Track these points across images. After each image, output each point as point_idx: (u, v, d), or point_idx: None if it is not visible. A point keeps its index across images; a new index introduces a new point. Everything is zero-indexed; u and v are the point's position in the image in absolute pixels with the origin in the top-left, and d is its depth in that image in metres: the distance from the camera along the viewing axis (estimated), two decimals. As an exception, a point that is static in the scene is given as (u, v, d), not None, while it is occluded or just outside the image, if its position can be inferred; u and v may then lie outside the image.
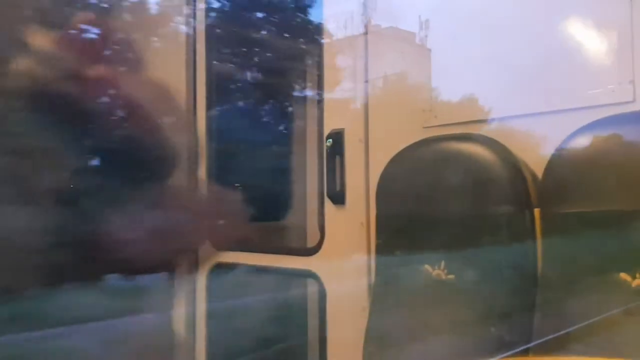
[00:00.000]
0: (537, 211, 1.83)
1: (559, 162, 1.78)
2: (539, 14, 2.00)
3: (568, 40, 1.94)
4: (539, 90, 1.96)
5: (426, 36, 2.26)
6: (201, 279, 2.95)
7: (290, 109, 3.41)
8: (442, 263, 1.99)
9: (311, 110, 3.06)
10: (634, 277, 1.57)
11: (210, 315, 2.96)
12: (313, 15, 2.70)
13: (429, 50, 2.27)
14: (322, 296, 2.53)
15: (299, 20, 3.23)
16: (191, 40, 3.06)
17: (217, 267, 2.92)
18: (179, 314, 2.99)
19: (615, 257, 1.63)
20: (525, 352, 1.74)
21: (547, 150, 1.81)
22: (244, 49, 3.45)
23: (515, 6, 2.06)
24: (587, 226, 1.68)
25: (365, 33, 2.41)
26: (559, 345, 1.66)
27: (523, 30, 2.03)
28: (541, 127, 1.96)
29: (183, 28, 3.07)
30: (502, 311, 1.85)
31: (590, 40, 1.90)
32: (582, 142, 1.76)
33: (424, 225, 2.13)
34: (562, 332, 1.65)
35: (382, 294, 2.22)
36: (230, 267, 2.89)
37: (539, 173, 1.85)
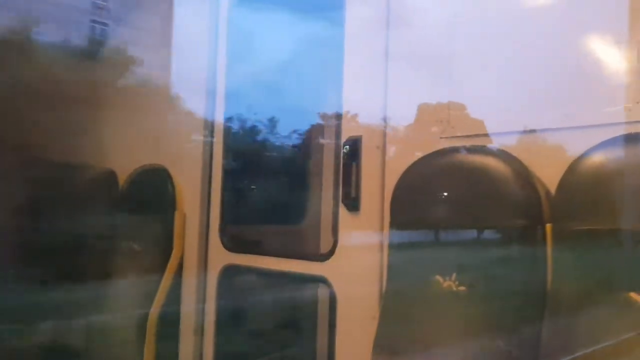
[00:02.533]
0: (548, 226, 1.82)
1: (572, 179, 1.77)
2: (558, 31, 1.99)
3: (586, 58, 1.93)
4: (555, 106, 1.95)
5: (447, 50, 2.26)
6: (211, 281, 2.97)
7: (308, 114, 3.42)
8: (454, 275, 1.99)
9: (329, 117, 3.06)
10: (644, 297, 1.55)
11: (219, 317, 2.97)
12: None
13: (449, 63, 2.26)
14: (333, 302, 2.52)
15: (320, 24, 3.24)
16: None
17: (228, 269, 2.94)
18: (188, 314, 3.02)
19: (625, 276, 1.61)
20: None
21: (561, 166, 1.80)
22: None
23: (534, 23, 2.05)
24: (598, 243, 1.66)
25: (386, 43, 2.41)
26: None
27: (541, 46, 2.01)
28: (556, 143, 1.94)
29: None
30: (510, 325, 1.84)
31: (609, 59, 1.88)
32: (596, 159, 1.74)
33: (437, 235, 2.13)
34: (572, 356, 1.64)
35: (392, 302, 2.21)
36: (242, 269, 2.90)
37: (552, 189, 1.84)
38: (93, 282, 3.18)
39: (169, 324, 3.01)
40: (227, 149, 3.06)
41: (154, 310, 2.96)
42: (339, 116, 2.63)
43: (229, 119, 3.12)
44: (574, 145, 1.81)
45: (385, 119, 2.43)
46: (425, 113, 2.34)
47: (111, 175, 3.44)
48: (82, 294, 3.09)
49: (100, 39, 3.96)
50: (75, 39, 4.01)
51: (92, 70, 3.69)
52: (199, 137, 3.12)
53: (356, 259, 2.47)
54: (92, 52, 3.86)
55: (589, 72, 1.91)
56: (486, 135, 2.12)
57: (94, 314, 3.19)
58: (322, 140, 3.12)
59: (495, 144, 2.07)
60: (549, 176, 1.86)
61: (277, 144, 3.52)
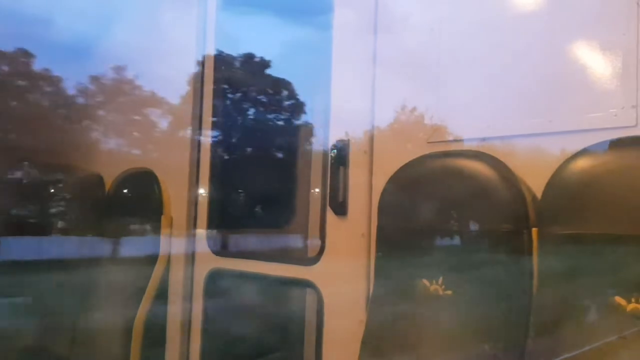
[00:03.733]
0: (534, 231, 1.83)
1: (558, 183, 1.78)
2: (544, 37, 2.01)
3: (572, 63, 1.94)
4: (542, 111, 1.97)
5: (434, 56, 2.27)
6: (198, 284, 2.96)
7: (295, 117, 3.43)
8: (440, 279, 2.00)
9: (317, 120, 3.07)
10: (628, 302, 1.56)
11: (206, 321, 2.96)
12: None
13: (436, 69, 2.27)
14: (320, 307, 2.52)
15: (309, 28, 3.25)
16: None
17: (215, 273, 2.93)
18: (175, 317, 3.01)
19: (610, 280, 1.62)
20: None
21: (547, 171, 1.82)
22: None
23: (521, 28, 2.07)
24: (583, 248, 1.67)
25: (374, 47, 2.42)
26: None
27: (528, 51, 2.03)
28: (542, 148, 1.95)
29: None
30: (496, 329, 1.85)
31: (595, 64, 1.90)
32: (582, 164, 1.76)
33: (424, 240, 2.13)
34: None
35: (379, 307, 2.22)
36: (229, 273, 2.89)
37: (538, 193, 1.85)
38: (77, 284, 3.16)
39: (156, 327, 3.00)
40: (215, 153, 3.06)
41: (141, 314, 2.95)
42: (326, 120, 2.63)
43: (216, 123, 3.11)
44: (560, 150, 1.83)
45: (372, 123, 2.44)
46: (413, 117, 2.35)
47: (97, 178, 3.42)
48: (66, 297, 3.07)
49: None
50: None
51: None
52: (186, 140, 3.11)
53: (343, 263, 2.47)
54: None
55: (576, 77, 1.92)
56: (473, 139, 2.13)
57: (78, 317, 3.17)
58: (309, 144, 3.13)
59: (482, 148, 2.08)
60: (536, 180, 1.87)
61: (264, 147, 3.52)
